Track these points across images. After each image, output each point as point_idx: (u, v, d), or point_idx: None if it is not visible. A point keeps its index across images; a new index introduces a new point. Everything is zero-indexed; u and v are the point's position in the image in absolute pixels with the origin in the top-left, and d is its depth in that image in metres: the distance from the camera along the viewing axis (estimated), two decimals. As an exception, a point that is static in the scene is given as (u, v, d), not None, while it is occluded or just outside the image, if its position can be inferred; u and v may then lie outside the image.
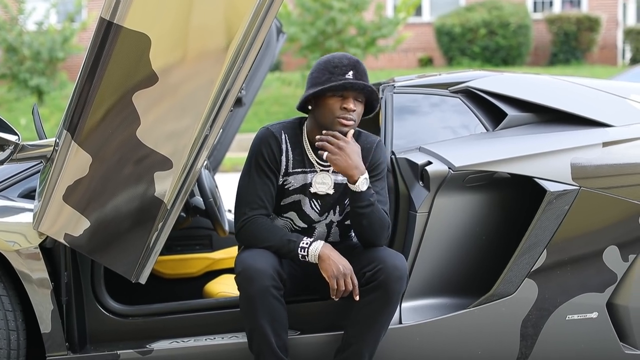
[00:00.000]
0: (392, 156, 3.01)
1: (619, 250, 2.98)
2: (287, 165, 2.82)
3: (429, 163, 2.92)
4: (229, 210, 4.07)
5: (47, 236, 2.73)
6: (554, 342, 2.99)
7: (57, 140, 2.65)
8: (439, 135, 3.12)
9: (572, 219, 2.90)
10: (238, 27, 2.37)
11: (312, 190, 2.83)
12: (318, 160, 2.83)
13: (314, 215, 2.86)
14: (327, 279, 2.67)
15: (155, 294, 3.55)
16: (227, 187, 4.51)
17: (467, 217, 2.97)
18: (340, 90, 2.71)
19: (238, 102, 3.59)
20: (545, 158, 2.93)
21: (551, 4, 19.60)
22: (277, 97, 14.81)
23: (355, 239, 2.94)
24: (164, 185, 2.55)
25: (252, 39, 2.39)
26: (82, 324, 2.91)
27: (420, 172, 2.92)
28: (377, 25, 14.95)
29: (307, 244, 2.70)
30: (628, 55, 19.01)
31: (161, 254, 2.82)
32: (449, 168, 2.88)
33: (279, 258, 2.72)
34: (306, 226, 2.87)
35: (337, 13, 14.47)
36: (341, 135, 2.71)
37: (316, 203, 2.85)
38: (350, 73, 2.73)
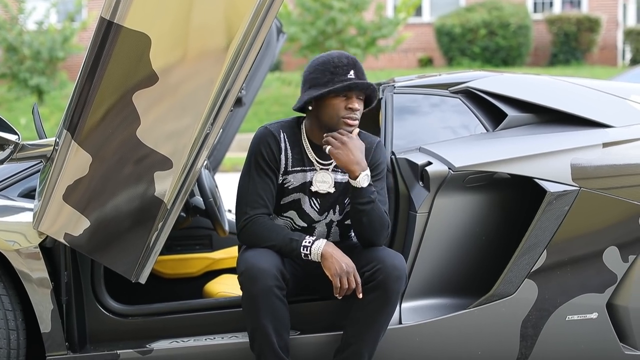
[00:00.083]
0: (392, 156, 3.01)
1: (619, 250, 2.98)
2: (286, 164, 2.82)
3: (429, 163, 2.92)
4: (229, 210, 4.07)
5: (47, 236, 2.73)
6: (553, 343, 2.99)
7: (57, 140, 2.65)
8: (439, 135, 3.12)
9: (572, 220, 2.90)
10: (238, 26, 2.38)
11: (313, 189, 2.83)
12: (318, 159, 2.84)
13: (313, 215, 2.86)
14: (330, 277, 2.67)
15: (155, 294, 3.55)
16: (227, 187, 4.51)
17: (467, 217, 2.97)
18: (346, 90, 2.72)
19: (238, 102, 3.59)
20: (545, 158, 2.93)
21: (551, 4, 19.60)
22: (277, 97, 14.80)
23: (354, 239, 2.94)
24: (164, 185, 2.55)
25: (252, 39, 2.39)
26: (82, 323, 2.91)
27: (420, 173, 2.92)
28: (377, 26, 14.96)
29: (309, 242, 2.70)
30: (628, 55, 19.01)
31: (161, 253, 2.82)
32: (449, 168, 2.88)
33: (281, 257, 2.72)
34: (306, 225, 2.87)
35: (337, 13, 14.48)
36: (345, 132, 2.72)
37: (315, 202, 2.85)
38: (352, 72, 2.73)
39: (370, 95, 2.79)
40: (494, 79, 3.25)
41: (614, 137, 3.04)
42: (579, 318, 2.99)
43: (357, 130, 2.77)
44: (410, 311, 2.97)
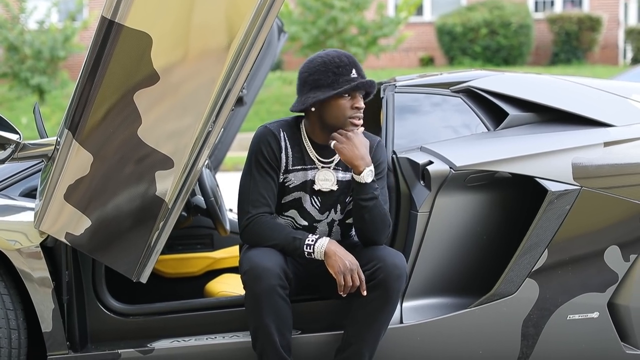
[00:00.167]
0: (394, 156, 3.01)
1: (620, 250, 2.98)
2: (287, 163, 2.82)
3: (430, 162, 2.92)
4: (230, 210, 4.08)
5: (48, 235, 2.73)
6: (555, 342, 2.99)
7: (59, 139, 2.65)
8: (440, 134, 3.12)
9: (573, 219, 2.90)
10: (239, 26, 2.38)
11: (316, 187, 2.83)
12: (319, 157, 2.84)
13: (314, 213, 2.86)
14: (334, 275, 2.67)
15: (157, 293, 3.55)
16: (228, 186, 4.51)
17: (468, 216, 2.97)
18: (354, 90, 2.72)
19: (239, 101, 3.58)
20: (547, 158, 2.93)
21: (552, 3, 19.60)
22: (278, 97, 14.80)
23: (355, 238, 2.94)
24: (165, 184, 2.55)
25: (253, 38, 2.39)
26: (83, 323, 2.91)
27: (421, 172, 2.92)
28: (378, 25, 14.96)
29: (312, 240, 2.70)
30: (629, 55, 19.00)
31: (162, 253, 2.82)
32: (450, 168, 2.88)
33: (285, 257, 2.72)
34: (308, 224, 2.87)
35: (339, 12, 14.48)
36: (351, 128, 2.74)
37: (316, 200, 2.85)
38: (354, 71, 2.74)
39: (369, 91, 2.81)
40: (495, 78, 3.25)
41: (615, 137, 3.04)
42: (580, 317, 2.99)
43: (362, 128, 2.78)
44: (412, 310, 2.97)
